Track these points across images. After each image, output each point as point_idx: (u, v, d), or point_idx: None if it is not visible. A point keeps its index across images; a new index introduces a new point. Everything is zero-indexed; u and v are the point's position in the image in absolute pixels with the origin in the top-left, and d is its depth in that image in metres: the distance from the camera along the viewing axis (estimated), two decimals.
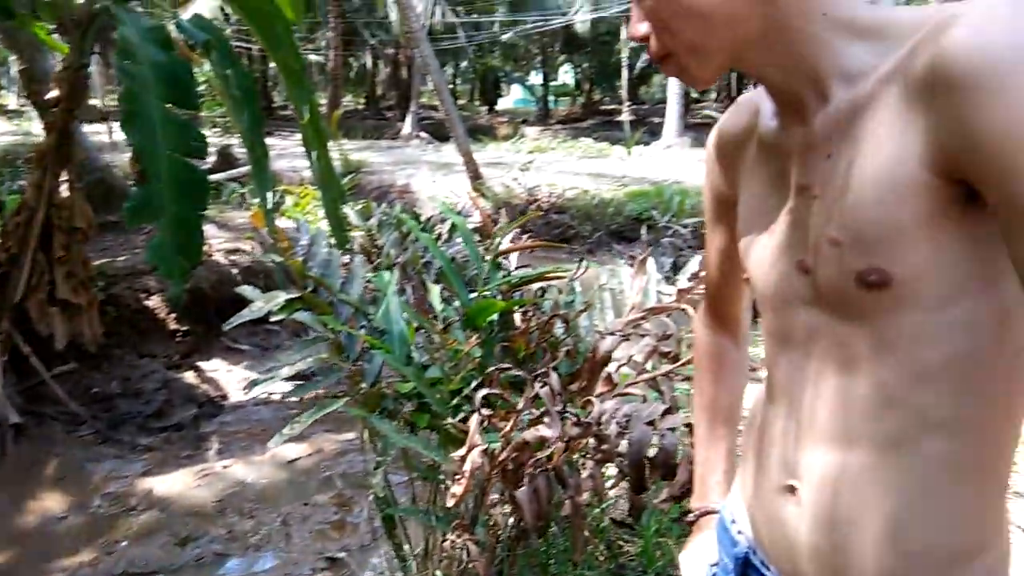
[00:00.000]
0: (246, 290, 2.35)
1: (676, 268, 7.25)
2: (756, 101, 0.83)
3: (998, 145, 0.55)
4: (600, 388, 2.18)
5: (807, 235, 0.71)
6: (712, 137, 0.91)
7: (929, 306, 0.64)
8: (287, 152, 12.56)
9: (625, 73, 23.23)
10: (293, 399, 4.50)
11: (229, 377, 5.00)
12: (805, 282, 0.73)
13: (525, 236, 4.10)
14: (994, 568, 0.72)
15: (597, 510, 2.46)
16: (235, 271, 5.67)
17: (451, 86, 25.89)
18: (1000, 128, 0.55)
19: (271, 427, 4.24)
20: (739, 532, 0.92)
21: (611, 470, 2.26)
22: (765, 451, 0.83)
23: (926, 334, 0.65)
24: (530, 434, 1.80)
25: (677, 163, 13.42)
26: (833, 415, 0.72)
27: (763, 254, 0.79)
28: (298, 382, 2.90)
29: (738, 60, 0.73)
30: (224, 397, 4.79)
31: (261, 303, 2.12)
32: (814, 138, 0.70)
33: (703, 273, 2.72)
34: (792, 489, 0.77)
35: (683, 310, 2.64)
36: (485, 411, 1.70)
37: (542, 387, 1.67)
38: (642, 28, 0.74)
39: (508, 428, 1.74)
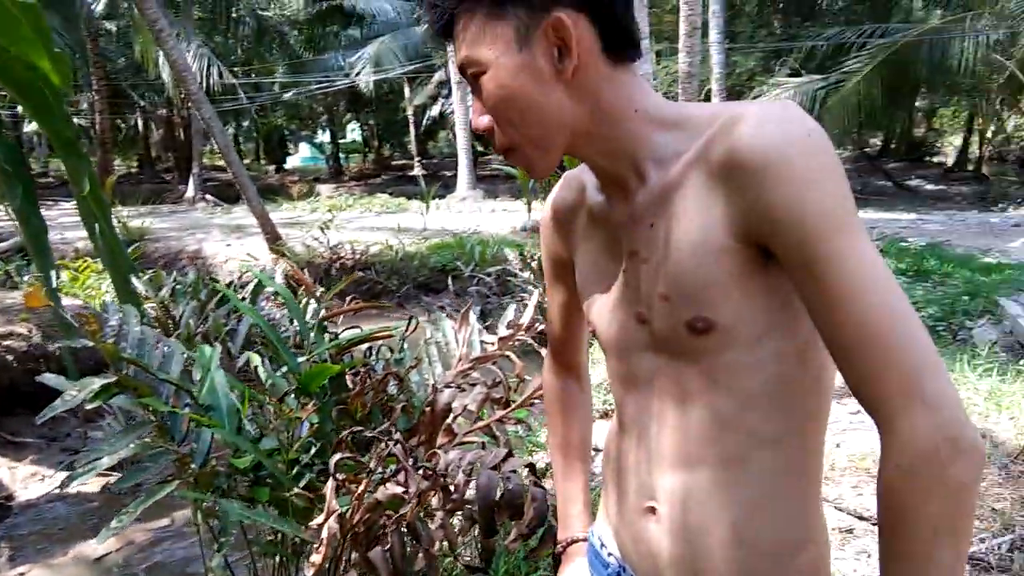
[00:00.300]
0: (49, 378, 2.16)
1: (484, 315, 7.50)
2: (582, 178, 0.98)
3: (781, 218, 0.72)
4: (441, 439, 2.25)
5: (641, 291, 0.86)
6: (547, 210, 1.05)
7: (746, 344, 0.80)
8: (54, 223, 11.42)
9: (413, 129, 23.73)
10: (92, 492, 4.09)
11: (13, 475, 4.43)
12: (643, 331, 0.87)
13: (348, 298, 4.08)
14: (818, 555, 0.88)
15: (449, 559, 2.50)
16: (10, 357, 5.07)
17: (235, 146, 24.92)
18: (781, 205, 0.72)
19: (71, 525, 3.82)
20: (609, 554, 1.03)
21: (457, 518, 2.32)
22: (624, 478, 0.96)
23: (747, 366, 0.81)
24: (382, 493, 1.83)
25: (473, 214, 13.89)
26: (678, 442, 0.86)
27: (604, 309, 0.93)
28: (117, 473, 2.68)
29: (572, 149, 0.86)
30: (10, 498, 4.24)
31: (75, 391, 1.97)
32: (637, 211, 0.85)
33: (522, 320, 2.90)
34: (652, 510, 0.90)
35: (507, 357, 2.79)
36: (339, 475, 1.70)
37: (395, 444, 1.71)
38: (484, 121, 0.86)
39: (361, 489, 1.76)
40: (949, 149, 23.38)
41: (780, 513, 0.85)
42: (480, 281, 8.25)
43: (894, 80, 13.29)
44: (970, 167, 20.78)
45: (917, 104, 18.91)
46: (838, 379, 0.82)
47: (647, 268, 0.84)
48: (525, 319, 2.91)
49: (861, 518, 2.91)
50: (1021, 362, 4.74)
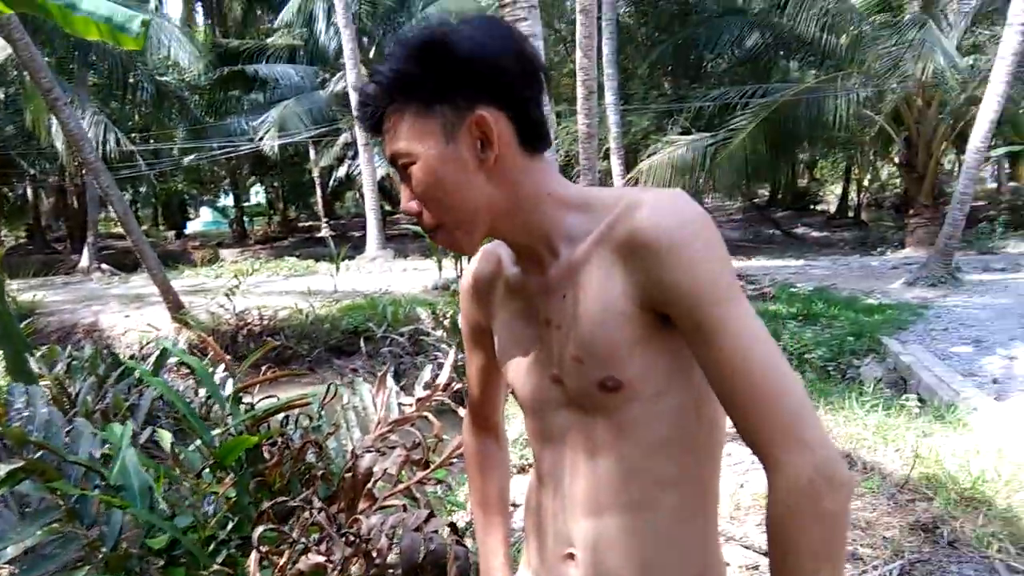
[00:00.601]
0: None
1: (398, 376, 7.48)
2: (498, 252, 1.10)
3: (676, 289, 0.86)
4: (363, 504, 2.27)
5: (556, 355, 0.97)
6: (466, 280, 1.16)
7: (650, 398, 0.92)
8: None
9: (319, 191, 23.59)
10: None
11: None
12: (558, 390, 0.98)
13: (264, 367, 4.03)
14: None
15: None
16: None
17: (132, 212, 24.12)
18: (676, 278, 0.85)
19: None
20: None
21: None
22: (543, 528, 1.06)
23: (650, 418, 0.93)
24: (305, 563, 1.84)
25: (384, 274, 13.88)
26: (590, 490, 0.97)
27: (522, 371, 1.04)
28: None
29: (493, 229, 0.98)
30: None
31: None
32: (551, 284, 0.97)
33: (439, 381, 2.96)
34: (571, 556, 1.00)
35: (425, 418, 2.84)
36: (262, 547, 1.71)
37: (318, 512, 1.74)
38: (413, 205, 0.97)
39: (284, 561, 1.77)
40: (831, 197, 25.04)
41: (683, 550, 0.97)
42: (393, 341, 8.24)
43: (776, 135, 14.25)
44: (850, 214, 22.32)
45: (800, 157, 20.24)
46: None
47: (561, 334, 0.95)
48: (442, 379, 2.98)
49: (766, 554, 3.06)
50: (903, 396, 5.12)
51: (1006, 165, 21.62)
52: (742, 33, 15.97)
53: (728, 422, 0.93)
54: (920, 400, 5.30)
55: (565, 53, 14.98)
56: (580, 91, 10.33)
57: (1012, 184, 21.51)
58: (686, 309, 0.86)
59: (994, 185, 23.01)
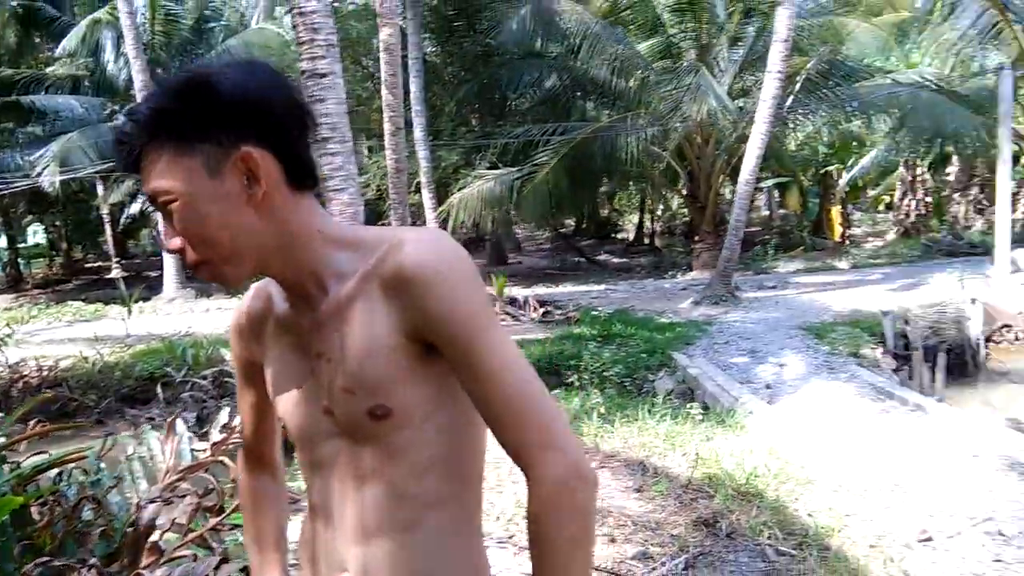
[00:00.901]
0: None
1: (201, 421, 7.05)
2: (268, 289, 1.12)
3: (439, 320, 0.93)
4: (147, 559, 2.14)
5: (327, 387, 1.00)
6: (236, 318, 1.17)
7: (418, 422, 0.98)
8: None
9: (109, 229, 21.76)
10: None
11: None
12: (329, 421, 1.02)
13: (33, 421, 3.65)
14: None
15: None
16: None
17: None
18: (438, 309, 0.93)
19: None
20: None
21: None
22: (316, 558, 1.09)
23: (418, 442, 0.99)
24: None
25: (184, 315, 13.03)
26: (360, 515, 1.01)
27: (294, 403, 1.06)
28: None
29: (262, 265, 1.00)
30: None
31: None
32: (322, 319, 1.00)
33: (236, 423, 2.86)
34: None
35: (220, 462, 2.74)
36: None
37: (88, 570, 1.63)
38: (176, 242, 0.97)
39: None
40: (630, 226, 26.86)
41: (452, 565, 1.03)
42: (195, 385, 7.77)
43: (577, 170, 15.11)
44: (647, 241, 24.09)
45: (601, 189, 21.54)
46: None
47: (332, 367, 0.99)
48: (238, 420, 2.88)
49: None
50: (688, 405, 5.60)
51: (776, 195, 24.33)
52: (542, 75, 16.83)
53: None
54: (705, 407, 5.83)
55: (373, 89, 15.02)
56: (387, 127, 10.43)
57: (781, 211, 24.21)
58: (449, 337, 0.93)
59: (767, 213, 25.83)
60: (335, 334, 0.98)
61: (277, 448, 1.32)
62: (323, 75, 4.94)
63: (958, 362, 8.55)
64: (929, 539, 3.42)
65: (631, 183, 20.01)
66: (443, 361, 0.96)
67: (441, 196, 15.06)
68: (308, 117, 0.98)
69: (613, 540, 3.44)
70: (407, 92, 13.44)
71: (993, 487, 4.00)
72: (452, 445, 1.01)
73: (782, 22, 9.80)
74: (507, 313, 10.45)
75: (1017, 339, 9.10)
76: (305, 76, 5.02)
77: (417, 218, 19.22)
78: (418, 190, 15.21)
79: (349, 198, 5.04)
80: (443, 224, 14.44)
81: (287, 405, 1.07)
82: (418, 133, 13.72)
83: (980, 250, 14.20)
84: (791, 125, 14.97)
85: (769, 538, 3.43)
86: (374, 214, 19.15)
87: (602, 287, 13.67)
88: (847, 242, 19.87)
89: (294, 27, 5.17)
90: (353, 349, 0.96)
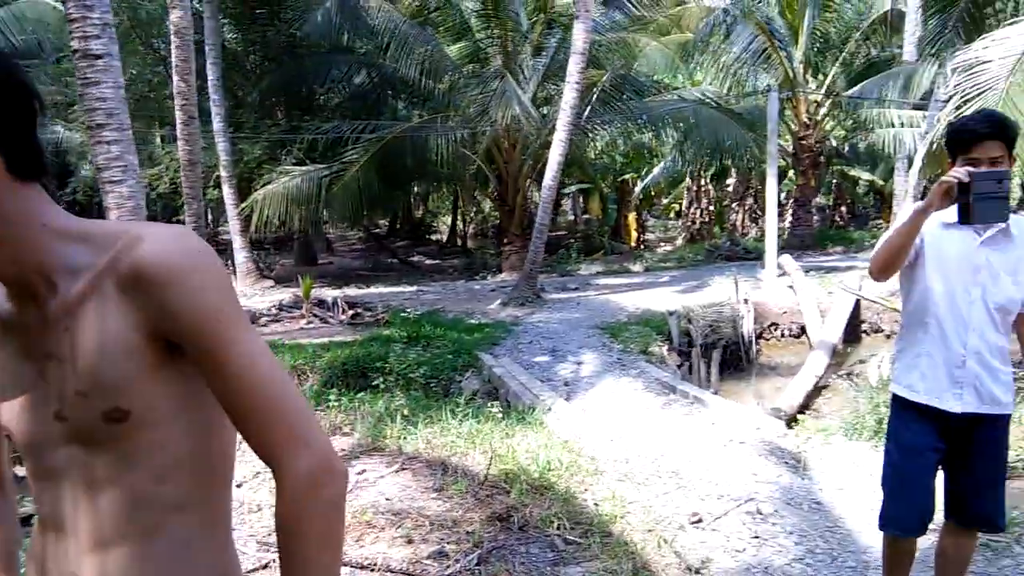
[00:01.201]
0: None
1: None
2: None
3: (183, 318, 0.89)
4: None
5: (58, 391, 0.93)
6: None
7: (161, 424, 0.93)
8: None
9: None
10: None
11: None
12: (61, 427, 0.94)
13: None
14: None
15: None
16: None
17: None
18: (182, 308, 0.88)
19: None
20: None
21: None
22: (47, 572, 1.00)
23: (161, 445, 0.94)
24: None
25: None
26: (95, 525, 0.94)
27: (21, 411, 0.97)
28: None
29: None
30: None
31: None
32: (51, 317, 0.92)
33: None
34: None
35: None
36: None
37: None
38: None
39: None
40: (444, 227, 27.08)
41: (198, 570, 0.99)
42: None
43: (388, 169, 14.97)
44: (459, 243, 24.39)
45: (415, 189, 21.50)
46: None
47: (63, 369, 0.91)
48: None
49: (363, 567, 3.19)
50: (490, 404, 5.74)
51: (581, 200, 25.58)
52: (351, 70, 16.52)
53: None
54: (508, 406, 6.00)
55: (166, 75, 13.95)
56: (179, 116, 9.76)
57: (585, 216, 25.49)
58: (193, 336, 0.89)
59: (573, 217, 27.09)
60: (66, 334, 0.91)
61: (7, 462, 1.20)
62: (98, 56, 4.53)
63: (733, 357, 9.45)
64: (699, 521, 3.75)
65: (443, 185, 20.14)
66: (190, 361, 0.92)
67: (244, 192, 14.30)
68: (34, 99, 0.90)
69: (410, 541, 3.45)
70: (204, 80, 12.66)
71: (756, 470, 4.46)
72: (199, 447, 0.98)
73: (579, 36, 10.31)
74: (315, 315, 10.15)
75: (783, 336, 10.22)
76: (78, 56, 4.58)
77: (219, 214, 18.13)
78: (218, 185, 14.37)
79: (128, 191, 4.66)
80: (247, 221, 13.75)
81: (12, 413, 0.98)
82: (217, 124, 12.97)
83: (754, 255, 15.75)
84: (590, 134, 15.78)
85: (558, 528, 3.59)
86: (169, 208, 17.84)
87: (414, 288, 13.65)
88: (642, 246, 21.33)
89: (64, 2, 4.69)
90: (86, 349, 0.90)
